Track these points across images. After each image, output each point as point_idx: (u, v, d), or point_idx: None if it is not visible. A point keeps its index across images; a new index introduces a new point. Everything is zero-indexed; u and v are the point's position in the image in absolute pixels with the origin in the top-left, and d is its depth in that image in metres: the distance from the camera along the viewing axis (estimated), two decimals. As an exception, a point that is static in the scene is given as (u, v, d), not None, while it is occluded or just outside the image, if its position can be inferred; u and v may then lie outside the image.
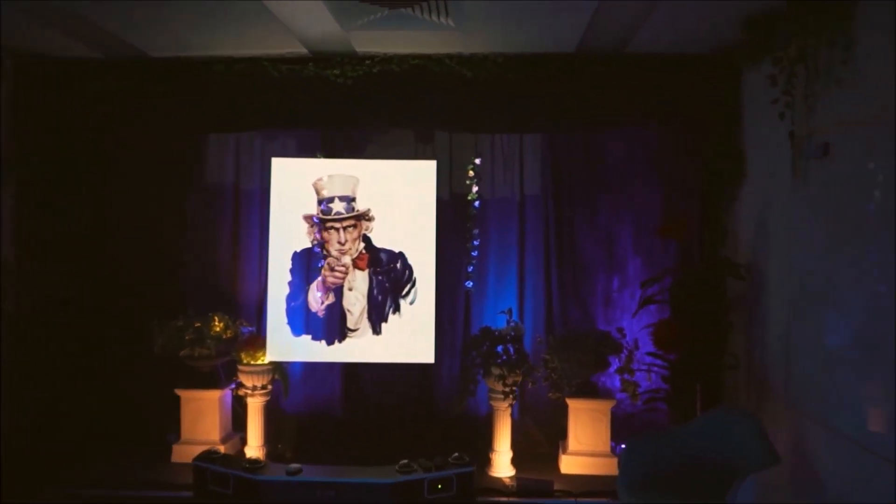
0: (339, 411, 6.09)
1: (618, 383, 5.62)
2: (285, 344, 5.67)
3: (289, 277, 5.67)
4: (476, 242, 6.03)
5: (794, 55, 4.06)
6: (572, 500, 5.07)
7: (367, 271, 5.68)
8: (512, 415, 5.61)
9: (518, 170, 6.11)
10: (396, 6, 4.48)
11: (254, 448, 5.64)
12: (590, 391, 5.60)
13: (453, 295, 6.04)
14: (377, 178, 5.70)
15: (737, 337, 5.10)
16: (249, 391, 5.63)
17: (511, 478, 5.41)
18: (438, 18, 4.70)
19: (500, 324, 5.66)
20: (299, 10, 4.57)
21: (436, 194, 5.73)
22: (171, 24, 4.92)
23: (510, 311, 5.70)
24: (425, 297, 5.66)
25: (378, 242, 5.68)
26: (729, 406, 4.93)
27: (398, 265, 5.67)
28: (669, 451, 4.29)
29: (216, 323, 5.66)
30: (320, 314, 5.67)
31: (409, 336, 5.65)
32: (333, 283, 5.68)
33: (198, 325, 5.59)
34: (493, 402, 5.52)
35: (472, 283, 6.05)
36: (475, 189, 6.01)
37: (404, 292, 5.66)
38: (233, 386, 5.80)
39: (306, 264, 5.71)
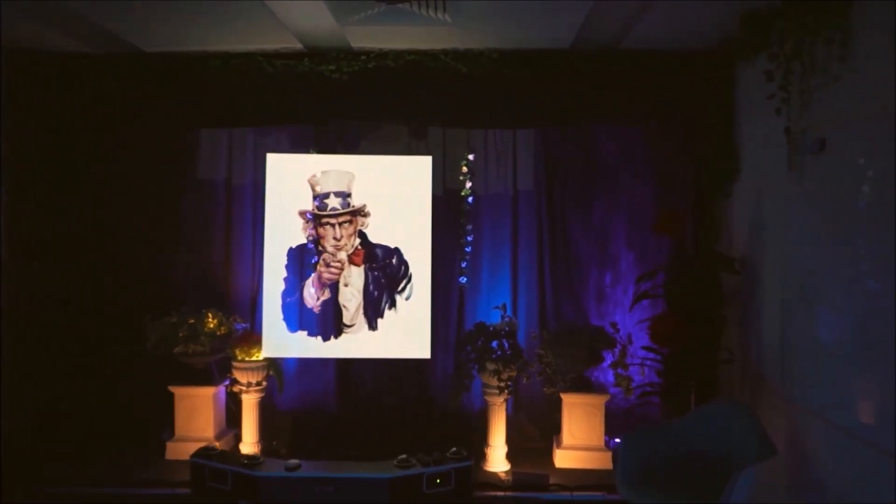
0: (333, 407, 6.08)
1: (611, 378, 5.64)
2: (281, 340, 5.65)
3: (284, 273, 5.65)
4: (469, 238, 6.05)
5: (790, 51, 4.09)
6: (567, 493, 5.09)
7: (362, 267, 5.68)
8: (506, 410, 5.63)
9: (511, 166, 6.11)
10: (394, 1, 4.47)
11: (249, 445, 5.63)
12: (584, 386, 5.63)
13: (447, 291, 6.04)
14: (373, 174, 5.69)
15: (731, 331, 5.14)
16: (244, 388, 5.61)
17: (506, 472, 5.44)
18: (435, 14, 4.70)
19: (494, 319, 5.68)
20: (296, 5, 4.56)
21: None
22: (166, 19, 4.90)
23: (504, 306, 5.72)
24: (421, 293, 5.66)
25: (374, 238, 5.68)
26: (725, 399, 4.98)
27: (394, 261, 5.67)
28: (666, 445, 4.30)
29: (210, 319, 5.63)
30: (316, 310, 5.67)
31: (405, 331, 5.66)
32: (329, 279, 5.67)
33: (192, 321, 5.57)
34: (487, 397, 5.54)
35: (465, 279, 6.06)
36: (468, 185, 6.02)
37: (400, 288, 5.67)
38: (227, 383, 5.78)
39: (302, 260, 5.69)
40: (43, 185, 5.76)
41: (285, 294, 5.65)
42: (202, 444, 5.10)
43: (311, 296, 5.67)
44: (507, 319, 5.61)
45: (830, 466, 3.83)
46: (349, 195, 5.66)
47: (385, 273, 5.68)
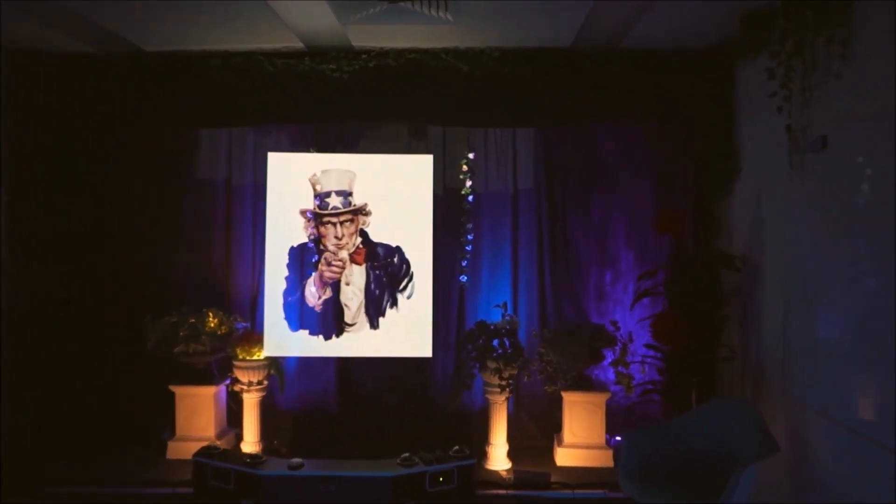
0: (334, 406, 6.08)
1: (612, 376, 5.65)
2: (282, 339, 5.65)
3: (285, 272, 5.65)
4: (470, 237, 6.06)
5: (791, 49, 4.11)
6: (569, 492, 5.10)
7: (364, 266, 5.68)
8: (507, 408, 5.64)
9: (511, 164, 6.13)
10: (396, 0, 4.47)
11: (250, 444, 5.63)
12: (584, 384, 5.65)
13: (447, 289, 6.05)
14: (374, 173, 5.69)
15: (732, 329, 5.16)
16: (245, 387, 5.61)
17: (507, 471, 5.45)
18: (437, 13, 4.70)
19: (495, 318, 5.69)
20: (298, 4, 4.56)
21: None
22: (167, 18, 4.90)
23: (505, 304, 5.73)
24: (422, 292, 5.67)
25: (375, 237, 5.68)
26: (727, 397, 5.00)
27: (395, 259, 5.68)
28: (669, 442, 4.34)
29: (210, 319, 5.63)
30: (317, 309, 5.67)
31: (407, 330, 5.66)
32: (330, 278, 5.67)
33: (192, 321, 5.56)
34: (489, 396, 5.54)
35: (465, 278, 6.08)
36: (469, 184, 6.02)
37: (401, 287, 5.67)
38: (227, 382, 5.78)
39: (303, 259, 5.69)
40: (43, 185, 5.75)
41: (286, 293, 5.65)
42: (203, 444, 5.08)
43: (313, 295, 5.66)
44: (507, 318, 5.61)
45: (831, 464, 3.85)
46: (350, 194, 5.66)
47: (386, 272, 5.68)
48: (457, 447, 4.89)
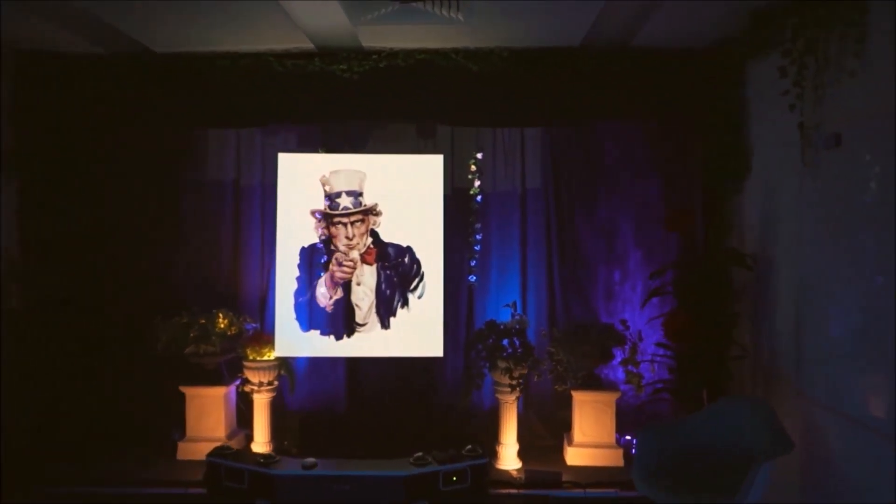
0: (343, 406, 6.09)
1: (621, 375, 5.66)
2: (293, 339, 5.65)
3: (296, 273, 5.65)
4: (478, 237, 6.07)
5: (803, 47, 4.13)
6: (581, 491, 5.10)
7: (374, 266, 5.68)
8: (517, 407, 5.64)
9: (519, 164, 6.14)
10: (408, 0, 4.48)
11: (260, 444, 5.63)
12: (594, 383, 5.65)
13: (456, 289, 6.06)
14: (384, 173, 5.69)
15: (743, 327, 5.17)
16: (255, 387, 5.61)
17: (518, 470, 5.45)
18: (449, 13, 4.71)
19: (504, 317, 5.70)
20: (310, 5, 4.58)
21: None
22: (178, 19, 4.91)
23: (515, 304, 5.74)
24: (433, 292, 5.67)
25: (385, 237, 5.68)
26: (740, 395, 5.00)
27: (406, 259, 5.68)
28: (682, 440, 4.35)
29: (220, 320, 5.63)
30: (329, 309, 5.66)
31: (418, 330, 5.66)
32: (341, 278, 5.67)
33: (202, 321, 5.56)
34: (499, 396, 5.54)
35: (474, 278, 6.08)
36: (477, 183, 6.03)
37: (412, 286, 5.67)
38: (237, 382, 5.77)
39: (313, 260, 5.69)
40: (49, 185, 5.77)
41: (297, 293, 5.64)
42: (213, 445, 5.09)
43: (324, 295, 5.66)
44: (517, 317, 5.62)
45: (845, 461, 3.86)
46: (361, 194, 5.66)
47: (397, 272, 5.68)
48: (469, 446, 4.90)
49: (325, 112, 5.83)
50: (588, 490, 5.11)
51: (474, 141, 6.08)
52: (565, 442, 5.72)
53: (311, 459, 4.72)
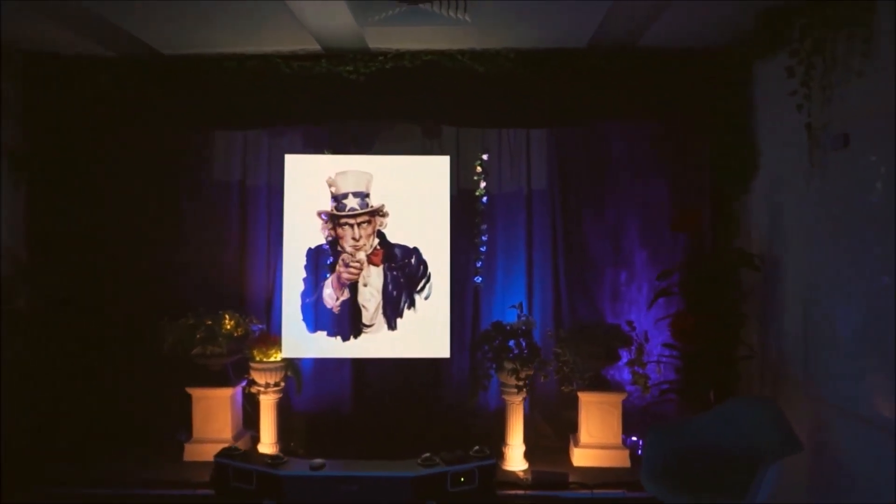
0: (349, 407, 6.09)
1: (627, 376, 5.67)
2: (299, 340, 5.66)
3: (303, 274, 5.66)
4: (484, 238, 6.06)
5: (811, 47, 4.13)
6: (588, 492, 5.09)
7: (381, 267, 5.69)
8: (523, 408, 5.64)
9: (525, 165, 6.14)
10: (415, 1, 4.48)
11: (267, 445, 5.63)
12: (601, 384, 5.65)
13: (462, 290, 6.06)
14: (390, 174, 5.70)
15: (750, 328, 5.17)
16: (262, 388, 5.61)
17: (525, 471, 5.44)
18: (456, 14, 4.71)
19: (510, 318, 5.70)
20: (317, 6, 4.58)
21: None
22: (186, 21, 4.91)
23: (521, 305, 5.73)
24: (439, 292, 5.68)
25: (392, 238, 5.68)
26: (748, 395, 5.00)
27: (413, 260, 5.69)
28: (691, 441, 4.34)
29: (227, 321, 5.63)
30: (335, 310, 5.68)
31: (424, 331, 5.67)
32: (348, 280, 5.68)
33: (209, 322, 5.56)
34: (505, 396, 5.54)
35: (480, 279, 6.08)
36: (483, 184, 6.03)
37: (419, 287, 5.68)
38: (243, 383, 5.78)
39: (319, 261, 5.69)
40: (54, 185, 5.78)
41: (304, 294, 5.66)
42: (220, 446, 5.07)
43: (331, 296, 5.67)
44: (523, 318, 5.62)
45: (855, 460, 3.86)
46: (367, 195, 5.67)
47: (404, 273, 5.69)
48: (477, 447, 4.89)
49: (331, 113, 5.82)
50: (595, 491, 5.10)
51: (480, 142, 6.09)
52: (571, 443, 5.72)
53: (319, 460, 4.72)
